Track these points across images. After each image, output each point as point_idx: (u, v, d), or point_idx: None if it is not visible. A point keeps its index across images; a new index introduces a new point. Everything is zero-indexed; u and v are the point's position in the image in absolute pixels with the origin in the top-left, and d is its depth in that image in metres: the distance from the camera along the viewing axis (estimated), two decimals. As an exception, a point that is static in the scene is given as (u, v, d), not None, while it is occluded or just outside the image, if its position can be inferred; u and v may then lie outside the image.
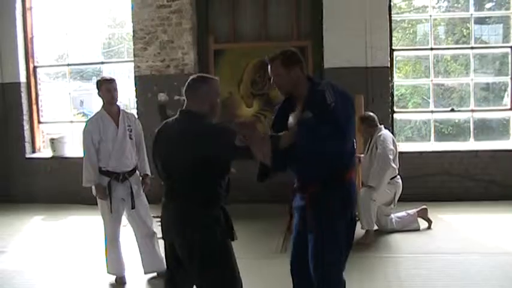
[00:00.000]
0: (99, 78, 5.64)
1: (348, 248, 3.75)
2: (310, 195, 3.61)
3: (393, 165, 6.44)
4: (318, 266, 3.60)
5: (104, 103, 5.36)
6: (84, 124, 5.44)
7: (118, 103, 5.45)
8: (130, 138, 5.35)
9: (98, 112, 5.40)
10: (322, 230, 3.56)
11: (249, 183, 4.16)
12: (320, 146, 3.42)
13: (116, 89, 5.33)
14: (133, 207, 5.28)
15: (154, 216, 5.79)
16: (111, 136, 5.24)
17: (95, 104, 10.27)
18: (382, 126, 6.70)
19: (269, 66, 3.64)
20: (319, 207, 3.58)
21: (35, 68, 9.36)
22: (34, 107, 9.32)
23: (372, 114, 6.75)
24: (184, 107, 3.57)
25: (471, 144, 8.47)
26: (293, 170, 3.74)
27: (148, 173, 5.56)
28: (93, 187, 5.26)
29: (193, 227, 3.40)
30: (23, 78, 9.17)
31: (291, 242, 3.86)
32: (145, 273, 5.44)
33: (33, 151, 9.38)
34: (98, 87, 5.36)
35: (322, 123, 3.38)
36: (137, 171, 5.47)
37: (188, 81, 3.58)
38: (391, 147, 6.47)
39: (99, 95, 5.36)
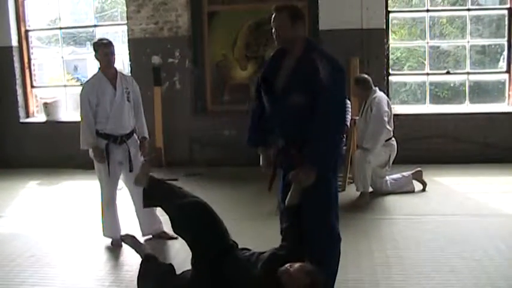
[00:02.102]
0: (95, 40, 5.58)
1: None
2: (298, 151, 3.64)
3: (388, 127, 6.45)
4: (312, 216, 3.63)
5: (100, 66, 5.30)
6: (82, 87, 5.39)
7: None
8: (128, 101, 5.31)
9: (95, 74, 5.34)
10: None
11: (247, 146, 4.17)
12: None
13: (113, 53, 5.26)
14: (131, 170, 5.26)
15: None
16: (108, 98, 5.20)
17: (89, 69, 10.21)
18: (377, 88, 6.68)
19: (273, 16, 3.64)
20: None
21: (26, 31, 9.22)
22: (27, 71, 9.23)
23: (366, 76, 6.72)
24: None
25: (466, 107, 8.46)
26: (276, 131, 3.81)
27: (146, 136, 5.54)
28: (91, 150, 5.24)
29: None
30: (14, 42, 9.04)
31: (279, 197, 3.91)
32: (143, 235, 5.46)
33: (27, 116, 9.33)
34: (95, 50, 5.30)
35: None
36: (135, 134, 5.45)
37: None
38: (386, 109, 6.46)
39: (96, 58, 5.30)
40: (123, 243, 4.79)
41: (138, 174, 4.31)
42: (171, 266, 3.94)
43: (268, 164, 4.01)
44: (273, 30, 3.66)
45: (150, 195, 4.10)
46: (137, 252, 4.21)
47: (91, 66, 8.49)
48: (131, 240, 4.32)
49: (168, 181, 4.17)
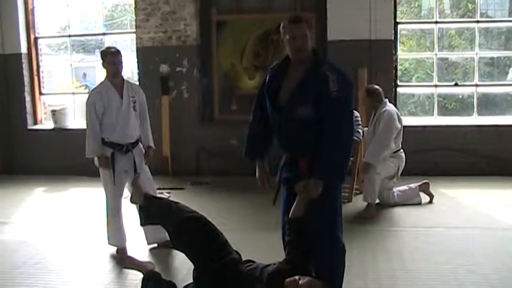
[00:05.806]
0: (103, 49, 5.57)
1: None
2: (304, 164, 3.62)
3: (392, 145, 6.39)
4: (317, 228, 3.61)
5: (107, 74, 5.31)
6: (88, 95, 5.40)
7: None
8: (134, 110, 5.30)
9: (101, 83, 5.34)
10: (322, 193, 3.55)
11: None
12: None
13: (120, 62, 5.25)
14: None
15: (158, 188, 5.81)
16: (115, 107, 5.19)
17: (98, 77, 10.23)
18: (387, 100, 6.64)
19: (293, 26, 3.58)
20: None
21: (36, 39, 9.28)
22: (35, 78, 9.28)
23: (378, 87, 6.66)
24: None
25: (474, 119, 8.43)
26: (282, 143, 3.78)
27: (152, 145, 5.52)
28: (96, 158, 5.24)
29: None
30: (24, 50, 9.10)
31: (280, 213, 3.88)
32: (148, 244, 5.46)
33: (35, 123, 9.37)
34: (102, 58, 5.30)
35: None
36: (140, 143, 5.44)
37: None
38: (398, 125, 6.40)
39: (103, 66, 5.29)
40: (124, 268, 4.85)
41: (132, 192, 4.34)
42: (171, 282, 3.92)
43: (264, 176, 3.98)
44: (296, 41, 3.56)
45: (146, 213, 4.11)
46: (138, 270, 4.21)
47: (100, 74, 8.50)
48: (129, 261, 4.32)
49: (163, 197, 4.20)
